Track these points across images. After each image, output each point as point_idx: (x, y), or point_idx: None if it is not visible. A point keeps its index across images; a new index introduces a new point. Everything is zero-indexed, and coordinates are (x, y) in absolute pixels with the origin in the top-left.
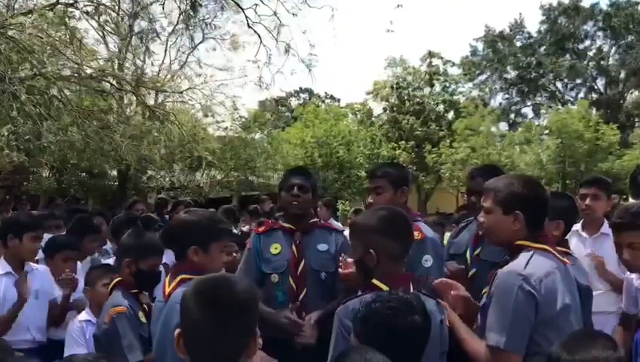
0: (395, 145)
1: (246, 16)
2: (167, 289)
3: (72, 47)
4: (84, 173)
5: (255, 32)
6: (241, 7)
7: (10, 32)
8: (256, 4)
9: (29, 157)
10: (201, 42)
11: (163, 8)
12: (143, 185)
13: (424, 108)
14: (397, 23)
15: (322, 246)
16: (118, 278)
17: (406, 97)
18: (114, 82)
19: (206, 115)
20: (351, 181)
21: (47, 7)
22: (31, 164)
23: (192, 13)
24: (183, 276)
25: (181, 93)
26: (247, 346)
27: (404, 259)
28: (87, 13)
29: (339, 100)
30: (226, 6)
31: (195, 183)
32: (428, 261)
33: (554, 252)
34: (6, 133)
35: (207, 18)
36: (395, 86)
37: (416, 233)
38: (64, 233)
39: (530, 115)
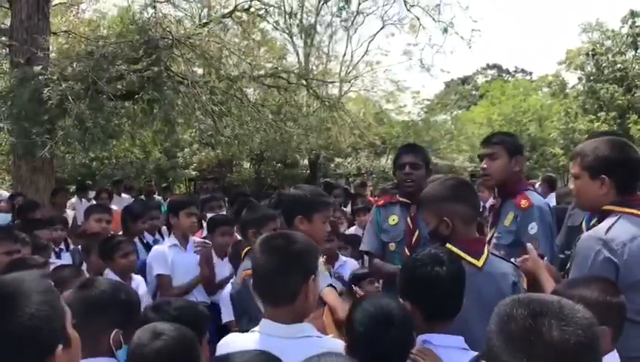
0: (594, 117)
1: (404, 1)
2: None
3: (250, 48)
4: (279, 164)
5: (415, 16)
6: None
7: (191, 41)
8: None
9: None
10: (381, 29)
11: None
12: (332, 172)
13: (626, 75)
14: None
15: None
16: (249, 247)
17: (604, 64)
18: (286, 77)
19: (388, 101)
20: (545, 159)
21: (226, 15)
22: (234, 157)
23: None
24: None
25: (349, 81)
26: (302, 285)
27: (475, 223)
28: (260, 16)
29: (530, 73)
30: None
31: (380, 168)
32: (533, 228)
33: None
34: (192, 132)
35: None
36: (591, 53)
37: (523, 201)
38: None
39: None
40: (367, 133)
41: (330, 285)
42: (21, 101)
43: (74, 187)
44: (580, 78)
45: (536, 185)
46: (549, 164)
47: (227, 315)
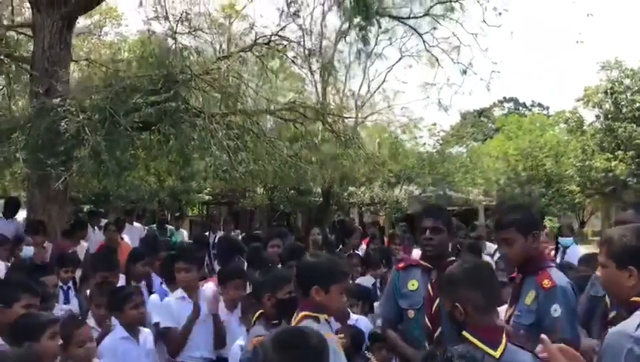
0: (611, 155)
1: (423, 40)
2: (293, 324)
3: (266, 82)
4: (292, 191)
5: (433, 55)
6: (418, 33)
7: (210, 76)
8: (435, 28)
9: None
10: (398, 60)
11: (345, 40)
12: (345, 201)
13: None
14: (612, 24)
15: None
16: (261, 311)
17: (623, 102)
18: (303, 112)
19: (404, 132)
20: (560, 195)
21: (246, 49)
22: (246, 183)
23: (362, 47)
24: (306, 313)
25: (365, 118)
26: None
27: (494, 310)
28: (279, 51)
29: (547, 108)
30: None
31: (394, 199)
32: (557, 311)
33: None
34: (207, 165)
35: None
36: (609, 91)
37: (546, 281)
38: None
39: None
40: (382, 170)
41: None
42: (38, 132)
43: (87, 207)
44: (597, 116)
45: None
46: (565, 200)
47: None
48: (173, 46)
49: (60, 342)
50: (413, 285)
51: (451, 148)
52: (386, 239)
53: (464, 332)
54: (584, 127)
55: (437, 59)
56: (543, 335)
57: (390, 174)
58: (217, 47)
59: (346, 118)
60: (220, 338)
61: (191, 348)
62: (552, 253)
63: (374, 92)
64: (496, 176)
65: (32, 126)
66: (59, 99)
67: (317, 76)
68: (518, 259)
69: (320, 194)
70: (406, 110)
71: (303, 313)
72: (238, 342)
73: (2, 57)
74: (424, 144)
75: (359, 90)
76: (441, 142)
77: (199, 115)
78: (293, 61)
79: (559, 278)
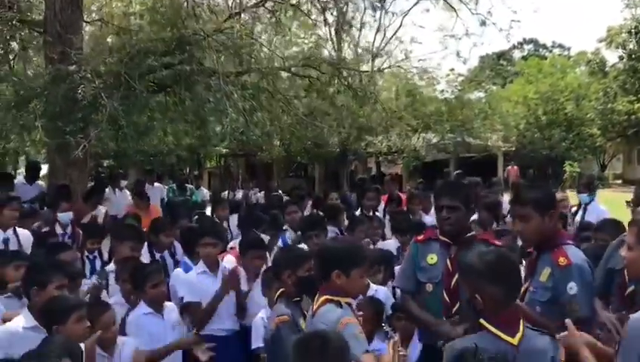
0: (634, 97)
1: None
2: (314, 307)
3: (280, 37)
4: (309, 142)
5: (451, 6)
6: None
7: (223, 37)
8: None
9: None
10: (415, 4)
11: None
12: (362, 151)
13: None
14: None
15: None
16: (282, 289)
17: None
18: (318, 67)
19: (421, 79)
20: (581, 139)
21: (259, 4)
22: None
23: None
24: (327, 297)
25: (382, 70)
26: None
27: (513, 301)
28: (292, 5)
29: (569, 49)
30: None
31: (411, 147)
32: (573, 288)
33: None
34: (224, 127)
35: None
36: (634, 30)
37: (562, 259)
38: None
39: None
40: (399, 122)
41: (367, 351)
42: (55, 99)
43: (106, 161)
44: (620, 57)
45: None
46: (586, 144)
47: (257, 341)
48: (185, 3)
49: (87, 324)
50: (432, 259)
51: (470, 94)
52: (403, 196)
53: (482, 321)
54: (606, 69)
55: (455, 10)
56: (567, 320)
57: (408, 127)
58: (230, 2)
59: (363, 72)
60: (242, 311)
61: (214, 321)
62: (574, 208)
63: (391, 38)
64: (515, 121)
65: (49, 93)
66: (74, 65)
67: (332, 30)
68: (533, 236)
69: (337, 145)
70: (423, 62)
71: (325, 297)
72: (260, 315)
73: (15, 22)
74: (442, 91)
75: (374, 39)
76: (459, 88)
77: (213, 75)
78: (307, 15)
79: (575, 256)
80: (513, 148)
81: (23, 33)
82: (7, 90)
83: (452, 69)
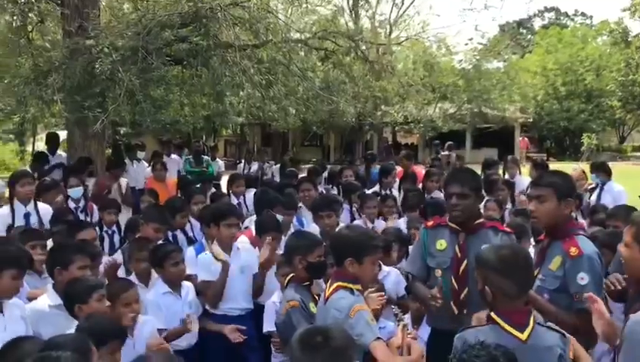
0: None
1: None
2: (327, 293)
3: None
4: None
5: None
6: None
7: (239, 12)
8: None
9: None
10: None
11: None
12: (378, 121)
13: None
14: None
15: None
16: (292, 274)
17: None
18: (335, 40)
19: (439, 48)
20: (600, 111)
21: None
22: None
23: None
24: (340, 283)
25: (400, 44)
26: None
27: (524, 296)
28: None
29: (591, 17)
30: None
31: (428, 117)
32: (584, 279)
33: None
34: (240, 101)
35: None
36: None
37: (573, 248)
38: None
39: None
40: (415, 95)
41: (378, 338)
42: (74, 73)
43: (123, 129)
44: None
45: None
46: (605, 116)
47: (268, 324)
48: None
49: (108, 303)
50: (441, 245)
51: (488, 64)
52: (422, 170)
53: (492, 314)
54: (629, 39)
55: None
56: (589, 293)
57: (424, 100)
58: None
59: (380, 44)
60: (259, 290)
61: (229, 300)
62: (591, 186)
63: (407, 8)
64: (534, 92)
65: (67, 67)
66: (92, 39)
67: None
68: (545, 218)
69: (353, 116)
70: (441, 34)
71: (337, 283)
72: (272, 299)
73: None
74: (460, 61)
75: (391, 10)
76: (477, 58)
77: (230, 47)
78: None
79: (587, 247)
80: (531, 120)
81: (41, 5)
82: (25, 62)
83: (470, 39)
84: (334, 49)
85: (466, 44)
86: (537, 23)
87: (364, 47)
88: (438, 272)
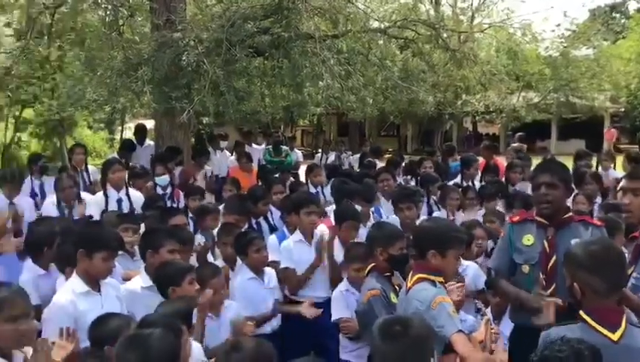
0: None
1: None
2: (408, 284)
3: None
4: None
5: None
6: None
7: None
8: None
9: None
10: None
11: None
12: (458, 111)
13: None
14: None
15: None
16: (373, 264)
17: None
18: (415, 29)
19: (524, 34)
20: None
21: None
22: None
23: None
24: (422, 275)
25: (483, 31)
26: None
27: (615, 295)
28: None
29: None
30: None
31: (511, 107)
32: None
33: None
34: (319, 91)
35: None
36: None
37: None
38: None
39: None
40: (498, 85)
41: (460, 331)
42: (162, 66)
43: (205, 119)
44: None
45: None
46: None
47: (336, 313)
48: None
49: (197, 287)
50: (528, 240)
51: (577, 51)
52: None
53: (581, 313)
54: None
55: None
56: None
57: (507, 90)
58: None
59: (461, 32)
60: (337, 280)
61: (307, 288)
62: None
63: None
64: (626, 80)
65: (155, 60)
66: (179, 32)
67: None
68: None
69: (432, 105)
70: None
71: (420, 275)
72: (340, 288)
73: None
74: (546, 48)
75: None
76: (565, 45)
77: (310, 39)
78: None
79: None
80: (622, 110)
81: (131, 0)
82: (117, 55)
83: (558, 25)
84: (414, 37)
85: (553, 31)
86: (632, 6)
87: (445, 35)
88: (526, 268)
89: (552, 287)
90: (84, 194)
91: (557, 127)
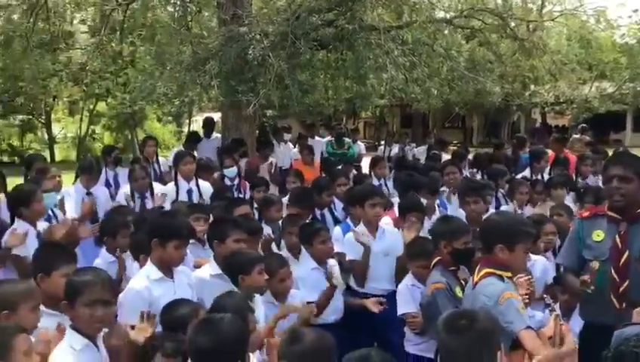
0: None
1: None
2: (475, 279)
3: None
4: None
5: None
6: None
7: None
8: None
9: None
10: None
11: None
12: (526, 101)
13: None
14: None
15: None
16: (438, 257)
17: None
18: (482, 18)
19: (598, 21)
20: None
21: None
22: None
23: None
24: (489, 270)
25: (553, 19)
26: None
27: None
28: None
29: None
30: None
31: (582, 97)
32: None
33: None
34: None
35: None
36: None
37: None
38: None
39: None
40: (569, 75)
41: (529, 327)
42: (229, 60)
43: (269, 111)
44: None
45: None
46: None
47: (402, 307)
48: None
49: (266, 277)
50: (598, 236)
51: None
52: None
53: None
54: None
55: None
56: None
57: (579, 80)
58: None
59: (530, 21)
60: (401, 273)
61: (372, 280)
62: None
63: None
64: None
65: (222, 54)
66: (245, 27)
67: None
68: None
69: (499, 96)
70: (601, 7)
71: (487, 270)
72: (405, 282)
73: None
74: (622, 35)
75: None
76: None
77: (375, 30)
78: None
79: None
80: None
81: None
82: (186, 50)
83: (635, 11)
84: (481, 27)
85: (630, 17)
86: None
87: (513, 25)
88: (596, 264)
89: (625, 284)
90: (155, 185)
91: (632, 118)
